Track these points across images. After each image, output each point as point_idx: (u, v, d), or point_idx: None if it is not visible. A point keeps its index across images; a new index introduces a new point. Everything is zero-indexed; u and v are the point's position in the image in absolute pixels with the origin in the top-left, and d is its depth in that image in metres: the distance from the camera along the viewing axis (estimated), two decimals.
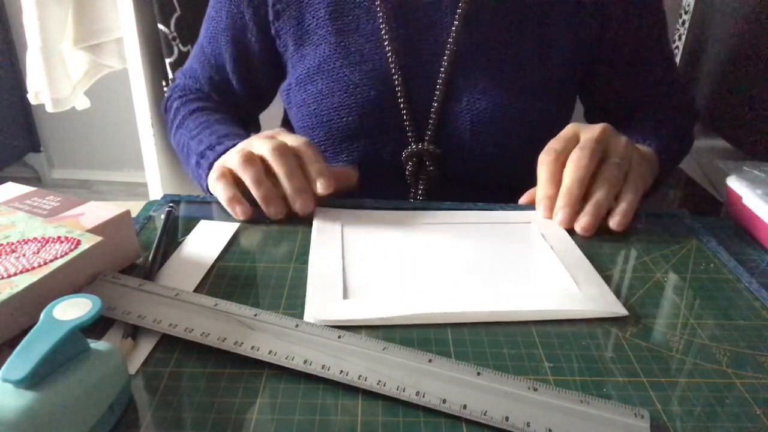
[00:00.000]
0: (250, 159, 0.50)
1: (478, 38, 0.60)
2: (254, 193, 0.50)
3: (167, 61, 1.00)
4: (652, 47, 0.66)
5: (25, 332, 0.28)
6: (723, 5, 0.88)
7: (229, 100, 0.71)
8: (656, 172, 0.61)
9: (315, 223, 0.50)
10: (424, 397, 0.31)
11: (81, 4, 1.15)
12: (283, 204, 0.50)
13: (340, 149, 0.63)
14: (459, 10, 0.59)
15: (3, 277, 0.34)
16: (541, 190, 0.52)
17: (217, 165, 0.53)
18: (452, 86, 0.61)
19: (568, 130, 0.53)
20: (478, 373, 0.33)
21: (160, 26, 0.97)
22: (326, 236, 0.48)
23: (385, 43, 0.59)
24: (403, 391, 0.32)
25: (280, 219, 0.50)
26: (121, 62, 1.23)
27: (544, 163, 0.52)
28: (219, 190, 0.51)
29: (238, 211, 0.50)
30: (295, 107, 0.65)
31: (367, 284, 0.42)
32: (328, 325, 0.36)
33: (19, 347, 0.27)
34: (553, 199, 0.51)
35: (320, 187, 0.49)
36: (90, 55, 1.22)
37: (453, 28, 0.59)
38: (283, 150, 0.50)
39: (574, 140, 0.52)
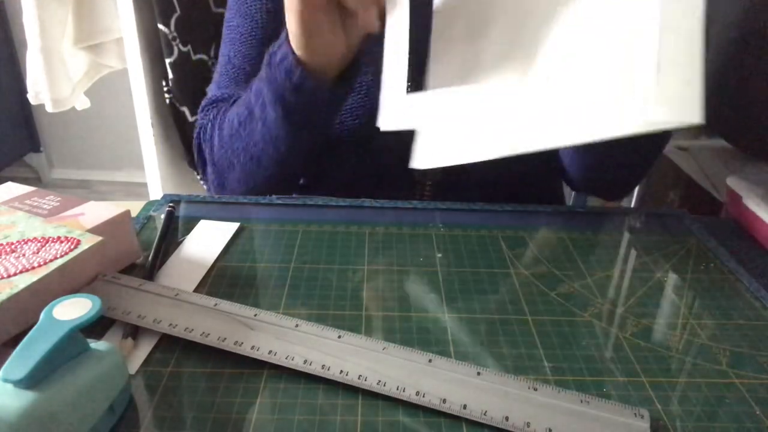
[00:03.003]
0: None
1: None
2: None
3: (167, 61, 1.00)
4: None
5: (25, 332, 0.28)
6: (723, 5, 0.88)
7: None
8: None
9: None
10: (424, 397, 0.31)
11: (81, 4, 1.15)
12: None
13: (351, 149, 0.63)
14: None
15: (3, 277, 0.34)
16: None
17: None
18: None
19: None
20: (478, 373, 0.33)
21: (160, 26, 0.97)
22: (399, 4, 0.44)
23: None
24: (403, 391, 0.32)
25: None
26: (121, 62, 1.23)
27: None
28: None
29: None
30: None
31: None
32: None
33: (19, 347, 0.27)
34: None
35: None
36: (90, 55, 1.22)
37: None
38: None
39: None
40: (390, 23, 0.45)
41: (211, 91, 0.70)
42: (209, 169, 0.66)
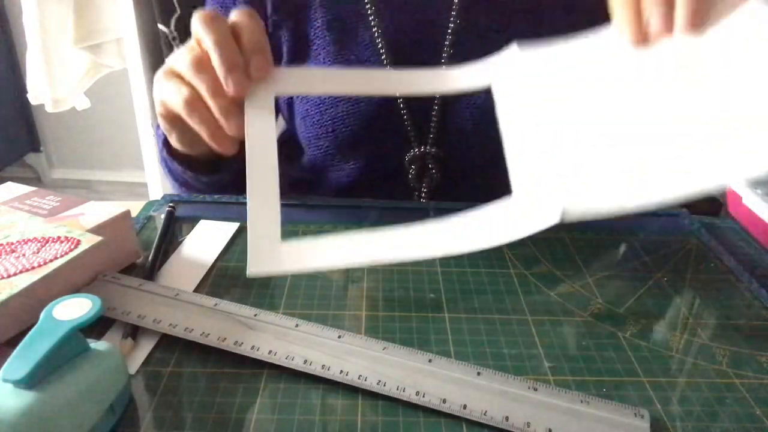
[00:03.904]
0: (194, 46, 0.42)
1: (475, 34, 0.60)
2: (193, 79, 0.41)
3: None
4: None
5: (25, 332, 0.28)
6: None
7: None
8: None
9: (246, 112, 0.41)
10: (424, 397, 0.31)
11: (81, 4, 1.15)
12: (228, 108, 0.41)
13: (345, 157, 0.63)
14: (455, 10, 0.59)
15: (3, 277, 0.34)
16: (621, 16, 0.42)
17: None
18: None
19: None
20: (478, 373, 0.33)
21: (160, 26, 0.97)
22: (260, 136, 0.41)
23: (381, 51, 0.59)
24: (403, 391, 0.32)
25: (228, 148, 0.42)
26: (121, 62, 1.23)
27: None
28: (168, 89, 0.42)
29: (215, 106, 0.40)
30: (298, 117, 0.65)
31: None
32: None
33: (19, 347, 0.27)
34: (638, 18, 0.41)
35: (253, 67, 0.41)
36: (90, 55, 1.22)
37: (449, 28, 0.59)
38: (214, 16, 0.41)
39: None
40: (252, 154, 0.40)
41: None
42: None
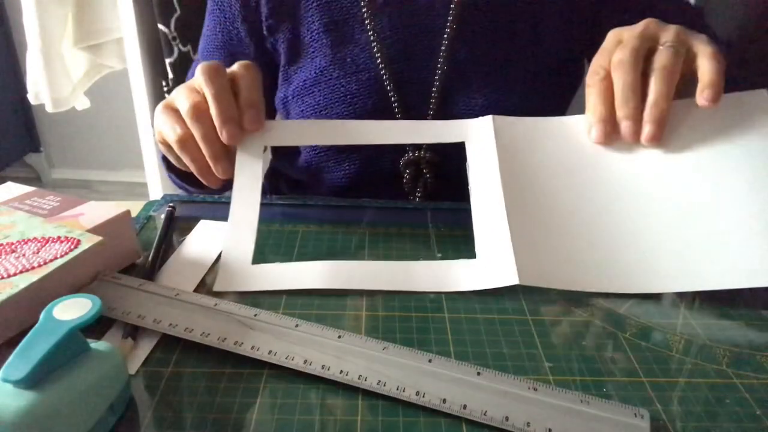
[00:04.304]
0: (193, 89, 0.46)
1: (471, 40, 0.60)
2: (191, 126, 0.45)
3: (167, 61, 1.00)
4: (664, 11, 0.62)
5: (25, 332, 0.28)
6: (723, 6, 0.88)
7: None
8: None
9: (238, 157, 0.47)
10: (424, 397, 0.31)
11: (81, 4, 1.15)
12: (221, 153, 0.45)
13: (340, 159, 0.63)
14: (451, 14, 0.59)
15: (3, 277, 0.34)
16: (591, 114, 0.46)
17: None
18: (448, 89, 0.61)
19: (610, 38, 0.48)
20: (478, 373, 0.33)
21: (160, 26, 0.97)
22: (247, 177, 0.46)
23: (377, 53, 0.59)
24: (403, 391, 0.32)
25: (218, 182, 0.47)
26: (121, 62, 1.23)
27: (590, 84, 0.46)
28: (166, 124, 0.46)
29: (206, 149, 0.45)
30: (295, 119, 0.65)
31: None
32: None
33: (19, 347, 0.27)
34: (609, 122, 0.45)
35: (247, 121, 0.45)
36: (90, 55, 1.22)
37: (446, 30, 0.59)
38: (216, 70, 0.45)
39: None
40: (238, 195, 0.46)
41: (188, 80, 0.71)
42: None
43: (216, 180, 0.47)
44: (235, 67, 0.47)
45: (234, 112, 0.45)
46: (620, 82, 0.44)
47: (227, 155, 0.46)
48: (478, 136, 0.48)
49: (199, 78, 0.45)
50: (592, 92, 0.46)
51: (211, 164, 0.46)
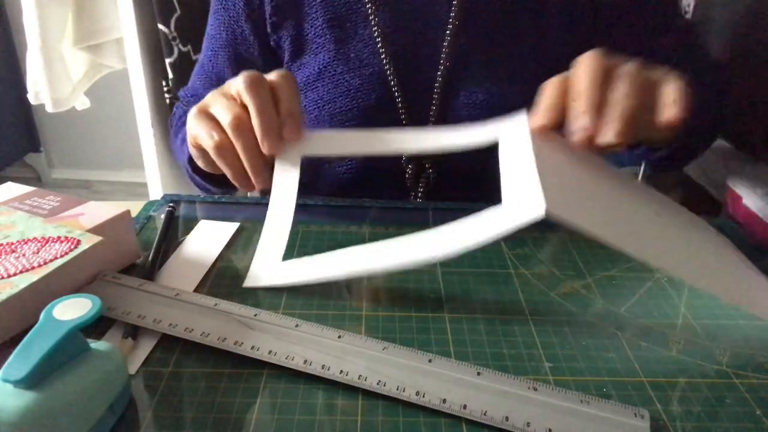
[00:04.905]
0: (228, 95, 0.47)
1: (474, 34, 0.60)
2: (231, 134, 0.45)
3: (167, 61, 1.00)
4: (658, 20, 0.62)
5: (25, 332, 0.28)
6: (723, 6, 0.88)
7: None
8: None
9: (277, 166, 0.47)
10: (424, 397, 0.31)
11: (81, 4, 1.15)
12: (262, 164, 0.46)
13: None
14: (453, 9, 0.59)
15: (3, 277, 0.34)
16: (544, 104, 0.42)
17: (194, 108, 0.49)
18: (450, 86, 0.61)
19: (572, 67, 0.43)
20: (478, 373, 0.33)
21: (160, 26, 0.97)
22: (285, 186, 0.47)
23: (381, 48, 0.59)
24: (403, 391, 0.32)
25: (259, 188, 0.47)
26: (121, 62, 1.23)
27: (547, 85, 0.43)
28: (202, 131, 0.46)
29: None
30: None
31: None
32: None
33: (19, 347, 0.27)
34: (556, 110, 0.41)
35: (287, 131, 0.46)
36: (90, 55, 1.22)
37: (449, 26, 0.59)
38: (259, 82, 0.45)
39: None
40: (275, 202, 0.47)
41: (191, 82, 0.72)
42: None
43: (251, 186, 0.47)
44: (273, 76, 0.47)
45: (276, 124, 0.45)
46: (579, 80, 0.40)
47: (267, 166, 0.46)
48: (513, 130, 0.44)
49: (241, 88, 0.45)
50: (548, 86, 0.42)
51: (251, 175, 0.46)
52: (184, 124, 0.66)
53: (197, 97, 0.71)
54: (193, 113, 0.48)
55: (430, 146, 0.48)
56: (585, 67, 0.41)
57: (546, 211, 0.33)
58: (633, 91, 0.39)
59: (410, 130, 0.49)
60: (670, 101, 0.39)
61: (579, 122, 0.39)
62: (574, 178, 0.40)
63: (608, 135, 0.38)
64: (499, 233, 0.35)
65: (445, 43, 0.59)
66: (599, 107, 0.39)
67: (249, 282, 0.42)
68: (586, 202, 0.38)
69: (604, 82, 0.40)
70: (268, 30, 0.62)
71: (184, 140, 0.65)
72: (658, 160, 0.62)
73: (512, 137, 0.43)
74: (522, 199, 0.36)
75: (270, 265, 0.43)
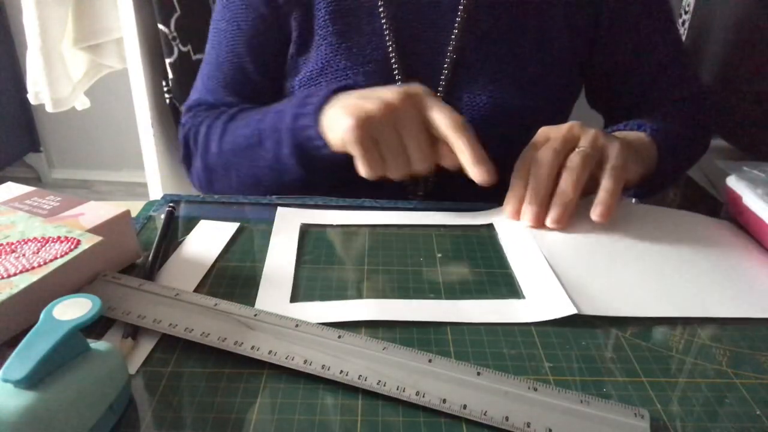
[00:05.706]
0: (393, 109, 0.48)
1: (479, 36, 0.60)
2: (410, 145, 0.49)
3: (167, 61, 1.00)
4: (652, 34, 0.65)
5: (25, 332, 0.28)
6: (723, 6, 0.88)
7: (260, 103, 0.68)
8: (652, 158, 0.59)
9: (276, 221, 0.50)
10: (424, 397, 0.31)
11: (81, 4, 1.15)
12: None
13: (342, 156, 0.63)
14: (460, 9, 0.59)
15: (3, 277, 0.34)
16: (510, 193, 0.52)
17: (350, 110, 0.48)
18: (453, 86, 0.61)
19: (540, 134, 0.53)
20: (478, 373, 0.33)
21: (160, 26, 0.97)
22: (284, 236, 0.48)
23: (387, 44, 0.59)
24: (403, 391, 0.32)
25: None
26: (121, 62, 1.23)
27: (516, 169, 0.52)
28: (368, 159, 0.49)
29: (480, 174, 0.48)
30: None
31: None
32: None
33: (19, 347, 0.27)
34: (520, 202, 0.51)
35: (478, 175, 0.47)
36: (90, 55, 1.22)
37: (455, 26, 0.59)
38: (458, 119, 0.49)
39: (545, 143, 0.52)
40: (277, 233, 0.48)
41: (198, 92, 0.69)
42: (199, 166, 0.66)
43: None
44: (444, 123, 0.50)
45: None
46: (534, 177, 0.50)
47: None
48: (509, 223, 0.51)
49: (451, 132, 0.49)
50: (515, 177, 0.52)
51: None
52: (222, 127, 0.63)
53: (214, 92, 0.68)
54: (353, 135, 0.47)
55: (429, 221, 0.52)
56: (537, 163, 0.50)
57: (578, 311, 0.39)
58: (573, 183, 0.48)
59: (409, 213, 0.53)
60: (599, 200, 0.48)
61: (528, 210, 0.50)
62: (582, 262, 0.46)
63: (548, 220, 0.49)
64: (531, 320, 0.39)
65: (451, 43, 0.59)
66: (544, 199, 0.50)
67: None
68: (604, 289, 0.43)
69: (553, 171, 0.49)
70: (279, 21, 0.62)
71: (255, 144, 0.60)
72: (631, 195, 0.67)
73: (512, 231, 0.50)
74: (550, 300, 0.41)
75: (279, 306, 0.40)
